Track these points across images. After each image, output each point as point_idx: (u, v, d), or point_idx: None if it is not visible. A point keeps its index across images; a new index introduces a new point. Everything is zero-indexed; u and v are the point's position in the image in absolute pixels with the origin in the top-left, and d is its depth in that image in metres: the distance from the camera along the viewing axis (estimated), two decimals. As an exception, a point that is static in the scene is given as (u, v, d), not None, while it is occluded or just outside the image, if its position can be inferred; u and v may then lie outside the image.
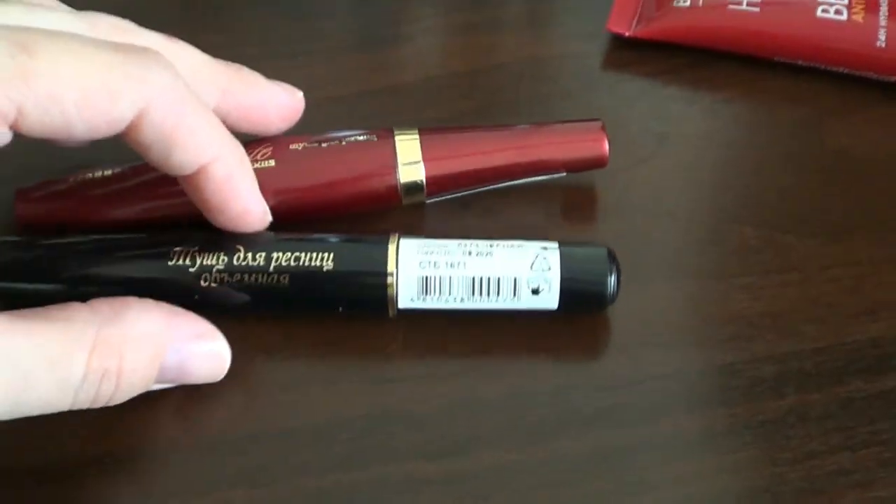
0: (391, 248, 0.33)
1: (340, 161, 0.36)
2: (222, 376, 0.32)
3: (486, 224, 0.37)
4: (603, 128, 0.37)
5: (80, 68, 0.28)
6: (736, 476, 0.31)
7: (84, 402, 0.29)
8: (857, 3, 0.42)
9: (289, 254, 0.33)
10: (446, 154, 0.36)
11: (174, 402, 0.33)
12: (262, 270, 0.33)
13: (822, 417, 0.32)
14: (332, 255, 0.33)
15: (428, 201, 0.37)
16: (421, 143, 0.36)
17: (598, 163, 0.37)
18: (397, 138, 0.36)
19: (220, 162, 0.32)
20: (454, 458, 0.31)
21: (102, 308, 0.29)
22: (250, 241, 0.33)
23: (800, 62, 0.42)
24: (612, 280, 0.33)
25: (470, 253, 0.33)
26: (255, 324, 0.34)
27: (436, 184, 0.36)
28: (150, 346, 0.30)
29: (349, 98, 0.42)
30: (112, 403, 0.29)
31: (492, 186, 0.37)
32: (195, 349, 0.31)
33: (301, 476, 0.31)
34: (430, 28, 0.45)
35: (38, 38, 0.28)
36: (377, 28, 0.45)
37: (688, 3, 0.43)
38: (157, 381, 0.31)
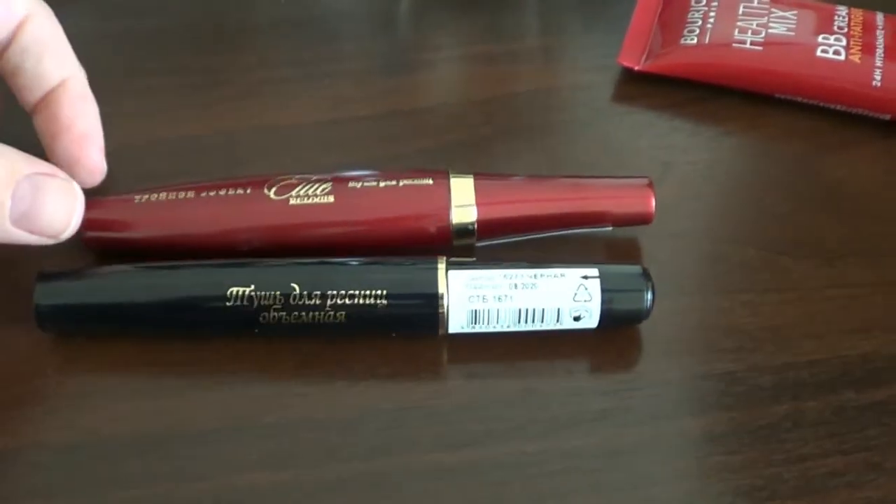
0: (441, 282, 0.34)
1: (396, 201, 0.37)
2: (73, 224, 0.35)
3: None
4: (650, 185, 0.38)
5: None
6: (734, 474, 0.33)
7: None
8: (854, 44, 0.44)
9: (343, 291, 0.34)
10: (499, 199, 0.37)
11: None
12: (319, 308, 0.34)
13: (816, 423, 0.34)
14: (385, 292, 0.34)
15: (477, 245, 0.38)
16: (475, 187, 0.37)
17: (643, 219, 0.38)
18: (452, 181, 0.37)
19: (77, 79, 0.36)
20: (472, 449, 0.33)
21: None
22: (305, 278, 0.34)
23: (799, 99, 0.44)
24: (648, 297, 0.35)
25: (516, 286, 0.34)
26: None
27: (486, 228, 0.37)
28: (3, 170, 0.32)
29: (374, 118, 0.44)
30: None
31: (539, 235, 0.38)
32: (51, 182, 0.33)
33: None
34: (450, 57, 0.48)
35: None
36: (400, 54, 0.48)
37: (695, 41, 0.45)
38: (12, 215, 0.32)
